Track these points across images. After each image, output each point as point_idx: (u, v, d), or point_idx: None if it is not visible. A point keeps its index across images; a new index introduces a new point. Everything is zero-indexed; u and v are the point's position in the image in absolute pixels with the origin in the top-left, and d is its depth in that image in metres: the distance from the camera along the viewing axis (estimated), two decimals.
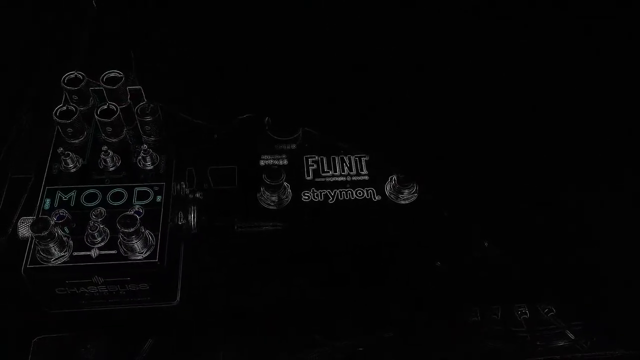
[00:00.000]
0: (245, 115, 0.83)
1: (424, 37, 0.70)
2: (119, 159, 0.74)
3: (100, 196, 0.70)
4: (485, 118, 0.76)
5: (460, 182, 0.80)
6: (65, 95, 0.78)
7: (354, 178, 0.80)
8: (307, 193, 0.78)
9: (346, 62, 0.70)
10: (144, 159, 0.73)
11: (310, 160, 0.81)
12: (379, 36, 0.70)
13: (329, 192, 0.78)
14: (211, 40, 0.71)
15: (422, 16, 0.70)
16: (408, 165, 0.77)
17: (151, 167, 0.73)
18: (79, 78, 0.77)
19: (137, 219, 0.64)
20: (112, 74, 0.77)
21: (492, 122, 0.76)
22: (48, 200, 0.69)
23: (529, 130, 0.77)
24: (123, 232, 0.64)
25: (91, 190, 0.71)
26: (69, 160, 0.72)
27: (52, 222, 0.63)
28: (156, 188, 0.71)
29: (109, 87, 0.76)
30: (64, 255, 0.65)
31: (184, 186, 0.78)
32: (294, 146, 0.83)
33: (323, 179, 0.79)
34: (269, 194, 0.76)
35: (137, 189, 0.71)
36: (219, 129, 0.85)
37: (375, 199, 0.78)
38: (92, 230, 0.66)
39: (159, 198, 0.70)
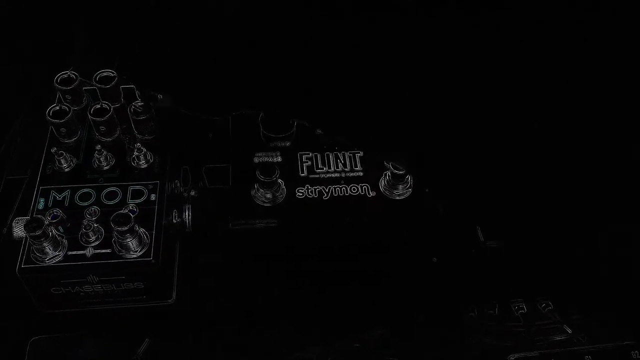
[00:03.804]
0: (240, 111, 0.83)
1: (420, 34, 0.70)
2: (112, 158, 0.74)
3: (94, 195, 0.70)
4: (484, 111, 0.76)
5: (458, 175, 0.80)
6: (59, 95, 0.78)
7: (348, 174, 0.80)
8: (301, 190, 0.78)
9: (338, 55, 0.71)
10: (138, 157, 0.73)
11: (304, 157, 0.81)
12: (375, 33, 0.71)
13: (323, 188, 0.78)
14: (204, 34, 0.72)
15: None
16: (403, 159, 0.76)
17: (145, 166, 0.73)
18: (72, 78, 0.77)
19: (131, 218, 0.64)
20: (105, 74, 0.77)
21: (491, 114, 0.76)
22: (42, 200, 0.69)
23: (529, 123, 0.77)
24: (117, 231, 0.64)
25: (85, 190, 0.71)
26: (62, 160, 0.72)
27: (46, 222, 0.63)
28: (150, 187, 0.71)
29: (102, 86, 0.76)
30: (58, 254, 0.65)
31: (178, 185, 0.78)
32: (288, 143, 0.83)
33: (317, 176, 0.79)
34: (263, 191, 0.76)
35: (131, 187, 0.71)
36: (213, 125, 0.85)
37: (369, 194, 0.78)
38: (87, 230, 0.66)
39: (153, 197, 0.70)
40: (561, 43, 0.69)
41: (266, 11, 0.71)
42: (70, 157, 0.73)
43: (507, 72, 0.75)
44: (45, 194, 0.70)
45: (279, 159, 0.80)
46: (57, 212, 0.68)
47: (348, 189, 0.78)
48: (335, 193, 0.78)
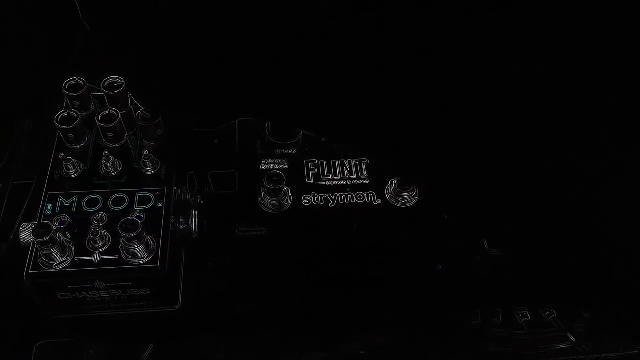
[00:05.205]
0: (246, 118, 0.84)
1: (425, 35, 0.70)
2: (120, 164, 0.74)
3: (101, 201, 0.70)
4: (487, 116, 0.76)
5: (461, 182, 0.80)
6: (67, 101, 0.78)
7: (354, 182, 0.80)
8: (308, 197, 0.78)
9: (345, 62, 0.70)
10: (145, 164, 0.73)
11: (310, 164, 0.82)
12: (379, 36, 0.71)
13: (329, 196, 0.78)
14: (209, 41, 0.72)
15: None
16: (408, 166, 0.77)
17: (152, 172, 0.74)
18: (80, 84, 0.77)
19: (138, 224, 0.64)
20: (113, 80, 0.77)
21: (494, 120, 0.76)
22: (50, 206, 0.70)
23: (531, 127, 0.77)
24: (124, 237, 0.64)
25: (93, 196, 0.71)
26: (70, 166, 0.72)
27: (54, 228, 0.64)
28: (157, 193, 0.72)
29: (109, 92, 0.76)
30: (65, 260, 0.65)
31: (185, 191, 0.78)
32: (294, 150, 0.83)
33: (323, 183, 0.80)
34: (269, 198, 0.77)
35: (139, 194, 0.71)
36: (219, 132, 0.85)
37: (375, 202, 0.78)
38: (94, 236, 0.66)
39: (160, 203, 0.71)
40: (561, 43, 0.69)
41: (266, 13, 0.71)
42: (77, 163, 0.73)
43: (507, 72, 0.75)
44: (52, 200, 0.70)
45: (286, 166, 0.81)
46: (64, 217, 0.68)
47: (354, 196, 0.78)
48: (342, 200, 0.78)
